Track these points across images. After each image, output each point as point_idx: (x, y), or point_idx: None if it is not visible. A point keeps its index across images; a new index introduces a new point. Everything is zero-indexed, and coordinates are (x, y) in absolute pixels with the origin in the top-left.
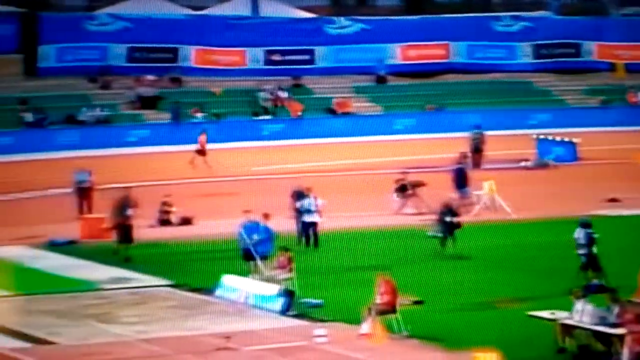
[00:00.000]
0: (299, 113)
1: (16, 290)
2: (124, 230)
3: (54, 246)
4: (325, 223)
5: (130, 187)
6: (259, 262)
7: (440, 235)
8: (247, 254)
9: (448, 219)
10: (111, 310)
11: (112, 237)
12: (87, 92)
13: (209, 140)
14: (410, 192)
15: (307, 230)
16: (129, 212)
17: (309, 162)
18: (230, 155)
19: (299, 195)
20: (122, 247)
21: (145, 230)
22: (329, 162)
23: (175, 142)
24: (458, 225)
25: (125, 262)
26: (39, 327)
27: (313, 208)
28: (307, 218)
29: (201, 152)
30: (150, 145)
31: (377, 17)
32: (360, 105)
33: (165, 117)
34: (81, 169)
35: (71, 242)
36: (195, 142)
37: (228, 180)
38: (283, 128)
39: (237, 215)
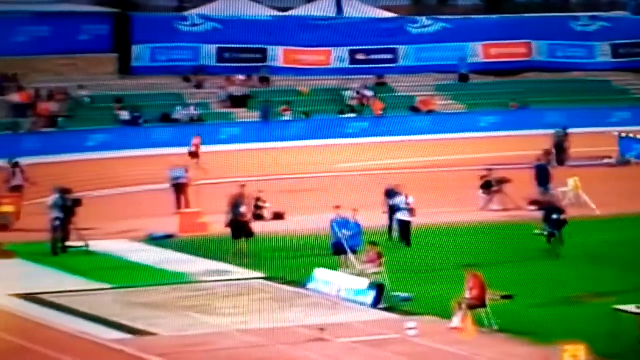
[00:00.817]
0: (380, 112)
1: (117, 283)
2: (239, 227)
3: (153, 240)
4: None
5: (244, 185)
6: (350, 256)
7: (546, 234)
8: (338, 248)
9: (555, 216)
10: (209, 302)
11: (225, 234)
12: (180, 91)
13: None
14: (495, 188)
15: (400, 228)
16: (243, 209)
17: (394, 160)
18: (317, 152)
19: (391, 193)
20: (237, 244)
21: None
22: (413, 159)
23: (265, 140)
24: (565, 222)
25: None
26: (139, 318)
27: (403, 206)
28: (400, 216)
29: (194, 154)
30: (240, 142)
31: (457, 17)
32: (443, 103)
33: (254, 115)
34: (177, 166)
35: (169, 236)
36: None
37: (314, 177)
38: (368, 126)
39: (324, 211)
